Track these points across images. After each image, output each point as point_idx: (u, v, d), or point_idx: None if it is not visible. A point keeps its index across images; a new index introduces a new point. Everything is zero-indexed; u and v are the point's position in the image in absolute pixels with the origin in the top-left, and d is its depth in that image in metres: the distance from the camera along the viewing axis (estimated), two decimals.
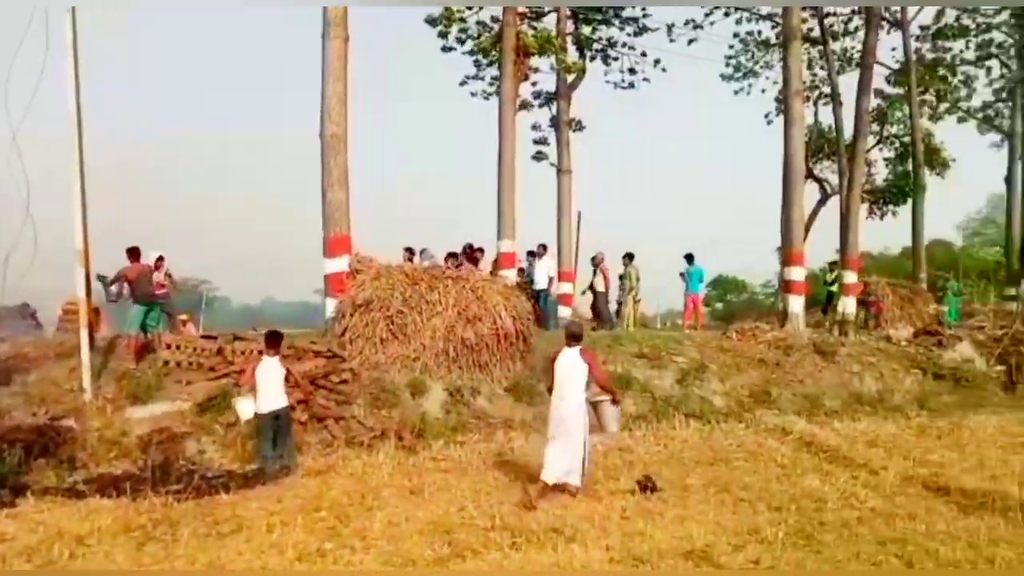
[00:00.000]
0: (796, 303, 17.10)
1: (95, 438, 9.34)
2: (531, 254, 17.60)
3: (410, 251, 15.69)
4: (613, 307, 18.01)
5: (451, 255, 15.06)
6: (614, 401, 8.38)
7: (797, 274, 17.32)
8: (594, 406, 8.99)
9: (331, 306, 12.87)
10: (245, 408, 8.63)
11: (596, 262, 17.42)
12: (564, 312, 17.78)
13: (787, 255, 17.59)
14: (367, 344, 12.05)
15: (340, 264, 13.12)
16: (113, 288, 11.78)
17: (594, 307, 17.68)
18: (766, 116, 28.22)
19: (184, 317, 15.38)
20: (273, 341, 8.88)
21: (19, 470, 8.27)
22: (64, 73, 10.90)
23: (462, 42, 19.91)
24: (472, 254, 15.72)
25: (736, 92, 28.29)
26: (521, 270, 17.24)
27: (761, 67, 28.10)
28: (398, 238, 25.98)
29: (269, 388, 8.55)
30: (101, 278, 11.63)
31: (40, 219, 11.56)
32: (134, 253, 11.98)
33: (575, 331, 7.73)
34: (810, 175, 25.83)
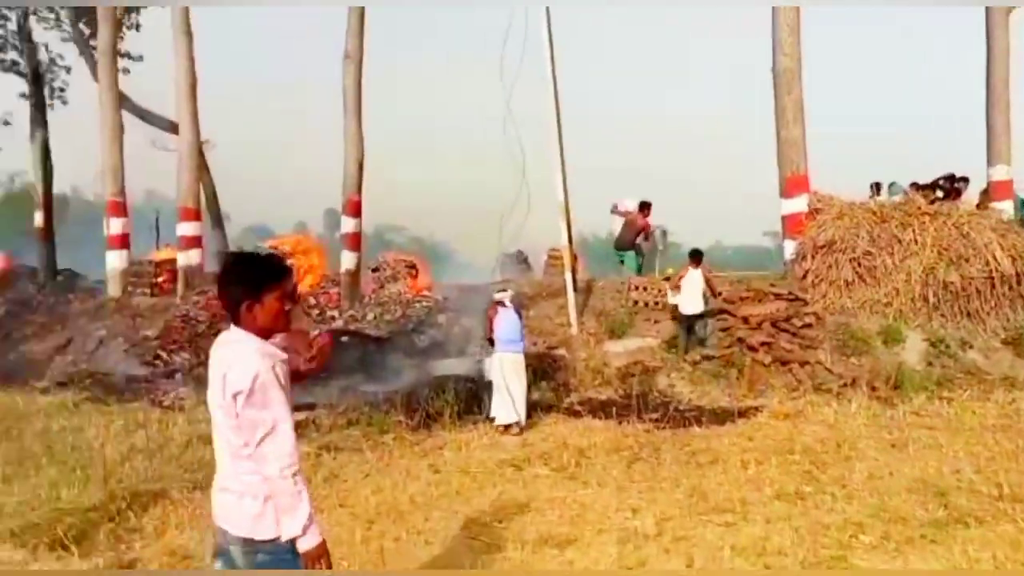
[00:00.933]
0: None
1: (582, 367, 10.71)
2: None
3: (877, 186, 14.32)
4: None
5: (921, 187, 13.32)
6: None
7: None
8: None
9: (789, 248, 12.51)
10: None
11: None
12: None
13: None
14: (831, 287, 11.47)
15: (798, 204, 12.62)
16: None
17: None
18: None
19: None
20: (696, 256, 11.12)
21: (530, 387, 9.89)
22: (541, 49, 12.41)
23: None
24: (953, 185, 13.68)
25: None
26: None
27: None
28: (860, 176, 23.98)
29: (689, 295, 10.84)
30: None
31: (531, 179, 13.42)
32: (647, 206, 13.63)
33: None
34: None
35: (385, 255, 16.18)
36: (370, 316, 13.48)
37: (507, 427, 8.28)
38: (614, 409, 8.92)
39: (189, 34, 16.16)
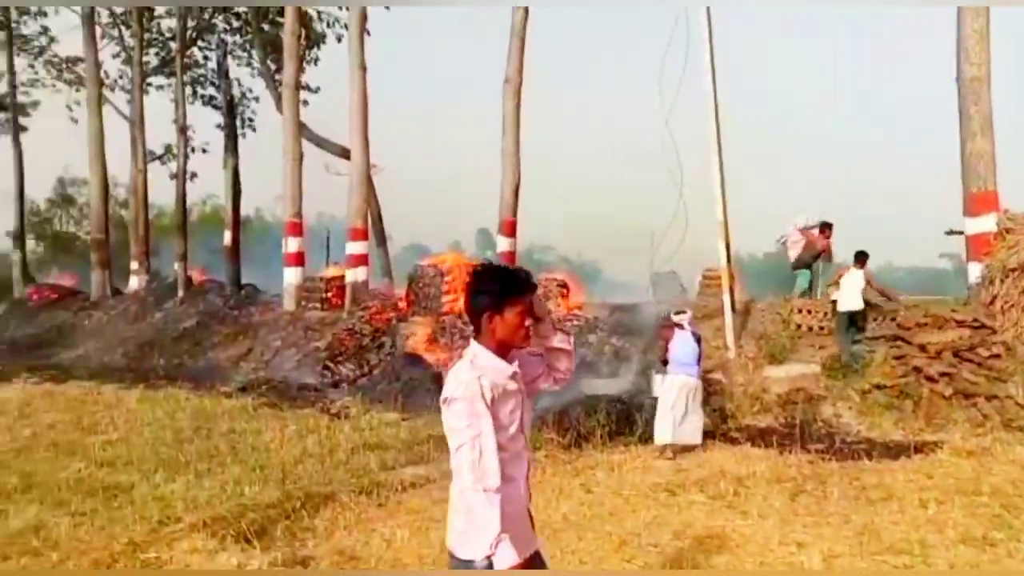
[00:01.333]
0: None
1: (740, 392, 10.31)
2: None
3: None
4: None
5: None
6: None
7: None
8: None
9: (974, 271, 11.46)
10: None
11: None
12: None
13: None
14: (1023, 314, 10.37)
15: (985, 223, 11.54)
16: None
17: None
18: None
19: None
20: (861, 258, 10.92)
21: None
22: (701, 65, 12.16)
23: None
24: None
25: None
26: None
27: None
28: None
29: (848, 293, 10.75)
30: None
31: (687, 197, 13.17)
32: (828, 227, 13.31)
33: None
34: None
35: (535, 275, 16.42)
36: None
37: (661, 450, 8.11)
38: (774, 438, 8.51)
39: (363, 68, 17.31)
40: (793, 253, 13.63)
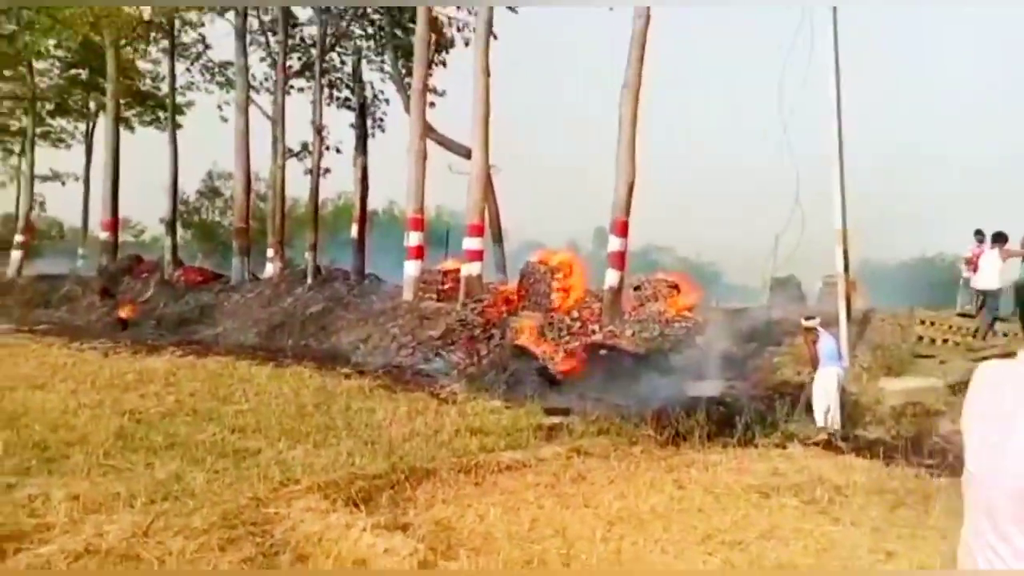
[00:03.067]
0: None
1: (850, 402, 10.01)
2: None
3: None
4: None
5: None
6: None
7: None
8: None
9: None
10: None
11: None
12: None
13: None
14: None
15: None
16: None
17: None
18: None
19: None
20: (1000, 239, 10.73)
21: (787, 419, 9.51)
22: (825, 66, 11.83)
23: None
24: None
25: None
26: None
27: None
28: None
29: (985, 272, 10.65)
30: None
31: (810, 203, 12.87)
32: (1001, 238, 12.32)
33: None
34: None
35: (649, 276, 16.46)
36: (628, 332, 13.80)
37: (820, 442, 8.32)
38: (881, 449, 8.25)
39: (487, 71, 17.93)
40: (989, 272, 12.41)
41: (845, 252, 11.66)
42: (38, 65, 31.78)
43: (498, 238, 23.48)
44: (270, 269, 25.17)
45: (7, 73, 32.40)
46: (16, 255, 29.47)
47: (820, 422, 8.97)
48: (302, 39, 29.71)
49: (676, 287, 15.41)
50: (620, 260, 15.31)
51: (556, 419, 9.59)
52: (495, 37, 19.32)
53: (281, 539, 5.21)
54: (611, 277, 15.17)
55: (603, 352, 12.26)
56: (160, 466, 6.93)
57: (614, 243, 15.66)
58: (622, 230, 15.70)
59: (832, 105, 11.63)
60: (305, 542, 5.19)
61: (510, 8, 23.99)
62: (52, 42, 29.22)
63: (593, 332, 14.16)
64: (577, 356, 12.66)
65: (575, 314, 14.91)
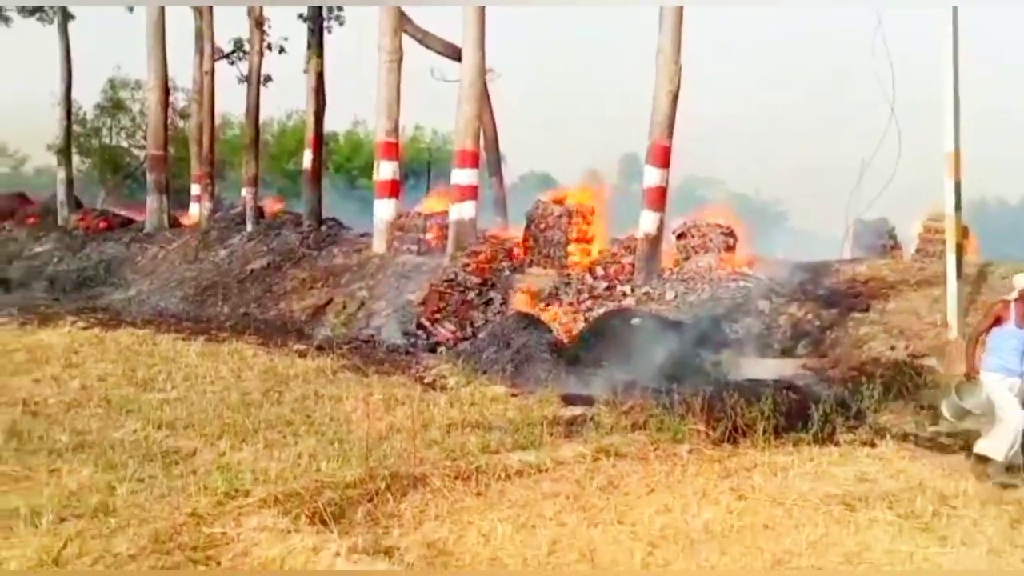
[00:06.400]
0: None
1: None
2: None
3: None
4: None
5: None
6: None
7: None
8: None
9: None
10: None
11: None
12: None
13: None
14: None
15: None
16: None
17: None
18: None
19: None
20: None
21: (877, 408, 9.64)
22: None
23: None
24: None
25: None
26: None
27: None
28: None
29: None
30: None
31: (905, 118, 12.84)
32: None
33: None
34: None
35: (695, 218, 16.46)
36: (670, 295, 13.89)
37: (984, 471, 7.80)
38: None
39: None
40: None
41: (957, 185, 11.64)
42: None
43: (496, 169, 23.43)
44: (196, 211, 25.18)
45: None
46: None
47: (999, 455, 7.71)
48: None
49: (731, 233, 15.44)
50: (659, 198, 15.26)
51: (577, 410, 9.71)
52: None
53: (230, 566, 5.37)
54: (647, 221, 15.17)
55: (636, 321, 12.33)
56: (69, 473, 7.08)
57: (651, 175, 15.59)
58: (662, 158, 15.59)
59: None
60: (262, 571, 5.35)
61: None
62: None
63: (623, 295, 14.23)
64: (602, 326, 12.73)
65: (599, 271, 14.97)
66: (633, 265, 14.98)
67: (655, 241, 15.05)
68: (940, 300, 11.48)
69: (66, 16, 28.65)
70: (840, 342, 11.83)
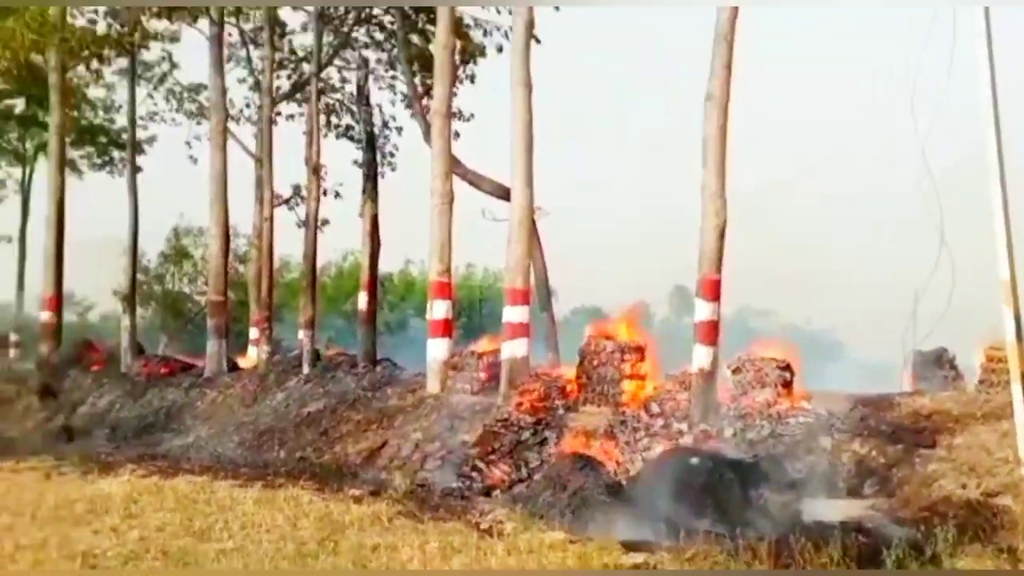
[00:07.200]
0: None
1: None
2: None
3: None
4: None
5: None
6: None
7: None
8: None
9: None
10: None
11: None
12: None
13: None
14: None
15: None
16: None
17: None
18: None
19: None
20: None
21: (952, 551, 9.22)
22: (976, 68, 11.74)
23: None
24: None
25: None
26: None
27: None
28: None
29: None
30: None
31: (957, 243, 12.71)
32: None
33: None
34: None
35: (749, 352, 16.25)
36: (728, 432, 13.61)
37: None
38: None
39: (528, 85, 18.14)
40: None
41: (1017, 314, 11.39)
42: None
43: (546, 304, 23.56)
44: (254, 355, 25.49)
45: None
46: None
47: None
48: (292, 51, 30.57)
49: (787, 368, 15.18)
50: (712, 332, 15.11)
51: (639, 556, 9.43)
52: (537, 41, 19.48)
53: None
54: (701, 355, 14.98)
55: (695, 460, 12.06)
56: None
57: (703, 309, 15.48)
58: (712, 291, 15.51)
59: (987, 117, 11.51)
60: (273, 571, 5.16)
61: (555, 7, 24.42)
62: None
63: (680, 433, 13.98)
64: (661, 466, 12.48)
65: (654, 407, 14.76)
66: (689, 401, 14.76)
67: (710, 376, 14.83)
68: (1009, 434, 11.07)
69: (135, 169, 29.89)
70: (908, 480, 11.42)
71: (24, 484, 14.23)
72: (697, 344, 15.11)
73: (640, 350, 16.22)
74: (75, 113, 33.09)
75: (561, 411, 15.53)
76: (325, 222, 26.91)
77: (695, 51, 16.29)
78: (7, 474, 15.24)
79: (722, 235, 15.58)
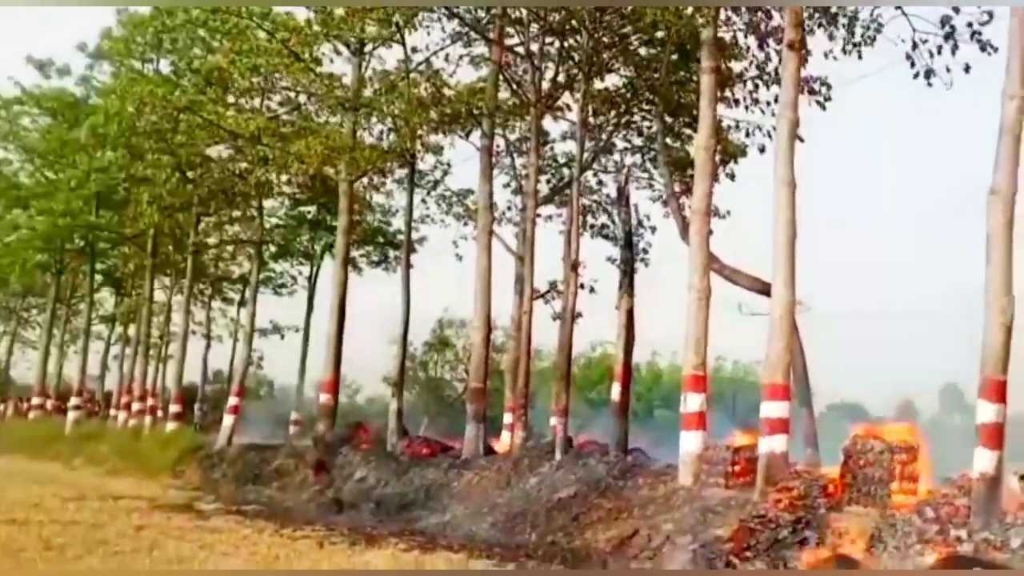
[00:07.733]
0: None
1: None
2: None
3: None
4: None
5: None
6: None
7: None
8: None
9: None
10: None
11: None
12: None
13: None
14: None
15: None
16: None
17: None
18: None
19: None
20: None
21: None
22: None
23: None
24: None
25: None
26: None
27: None
28: None
29: None
30: None
31: None
32: None
33: None
34: None
35: None
36: (1015, 543, 12.35)
37: None
38: None
39: (792, 184, 17.99)
40: None
41: None
42: (267, 204, 37.19)
43: (805, 401, 22.49)
44: (507, 439, 26.10)
45: (235, 214, 38.37)
46: (228, 421, 33.00)
47: None
48: (553, 158, 32.26)
49: None
50: (996, 435, 13.90)
51: None
52: (801, 140, 19.38)
53: None
54: (983, 459, 13.78)
55: (979, 572, 11.01)
56: None
57: (985, 411, 14.30)
58: (997, 392, 14.32)
59: None
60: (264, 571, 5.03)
61: (819, 103, 24.10)
62: (284, 178, 34.21)
63: (959, 540, 12.81)
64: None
65: (928, 512, 13.64)
66: (968, 508, 13.54)
67: (993, 482, 13.59)
68: None
69: (408, 266, 31.92)
70: None
71: (300, 551, 15.26)
72: (979, 447, 13.99)
73: (912, 450, 15.21)
74: (357, 217, 36.03)
75: (823, 510, 14.71)
76: (579, 315, 27.38)
77: (971, 144, 15.43)
78: (286, 540, 16.41)
79: (1009, 333, 14.53)
